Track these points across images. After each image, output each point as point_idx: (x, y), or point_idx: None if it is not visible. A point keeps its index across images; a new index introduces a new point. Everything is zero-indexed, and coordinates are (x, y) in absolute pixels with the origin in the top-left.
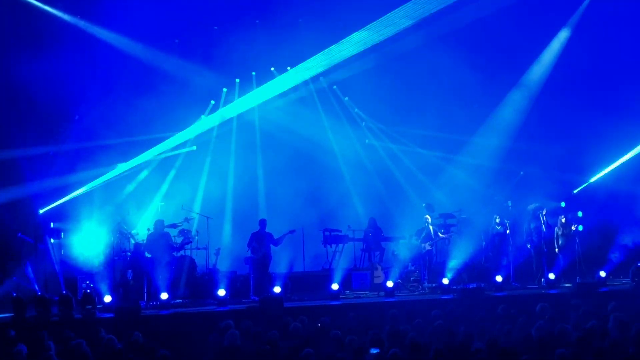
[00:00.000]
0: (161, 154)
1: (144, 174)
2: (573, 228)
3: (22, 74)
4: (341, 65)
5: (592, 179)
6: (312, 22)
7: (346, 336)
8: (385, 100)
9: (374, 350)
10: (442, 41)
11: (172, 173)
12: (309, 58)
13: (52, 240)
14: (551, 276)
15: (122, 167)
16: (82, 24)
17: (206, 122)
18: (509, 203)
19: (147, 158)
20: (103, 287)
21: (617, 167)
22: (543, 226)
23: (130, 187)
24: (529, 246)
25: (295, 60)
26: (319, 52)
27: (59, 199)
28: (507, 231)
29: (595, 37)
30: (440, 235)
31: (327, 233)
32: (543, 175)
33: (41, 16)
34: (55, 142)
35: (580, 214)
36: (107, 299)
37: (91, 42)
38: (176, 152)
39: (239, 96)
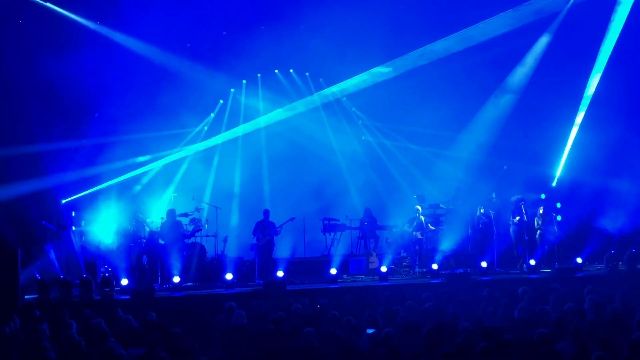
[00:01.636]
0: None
1: (158, 167)
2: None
3: (47, 75)
4: (339, 68)
5: (557, 172)
6: (313, 28)
7: (344, 316)
8: (380, 100)
9: (369, 331)
10: (435, 49)
11: (184, 166)
12: (309, 61)
13: (73, 228)
14: (532, 262)
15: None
16: (102, 29)
17: (216, 120)
18: (493, 195)
19: (162, 154)
20: (120, 271)
21: (593, 162)
22: (524, 216)
23: (145, 179)
24: (512, 230)
25: (297, 63)
26: (319, 55)
27: (80, 190)
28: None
29: (573, 42)
30: (431, 227)
31: (326, 222)
32: (525, 169)
33: (66, 23)
34: (77, 137)
35: (558, 205)
36: (124, 281)
37: (110, 46)
38: (187, 147)
39: (246, 96)
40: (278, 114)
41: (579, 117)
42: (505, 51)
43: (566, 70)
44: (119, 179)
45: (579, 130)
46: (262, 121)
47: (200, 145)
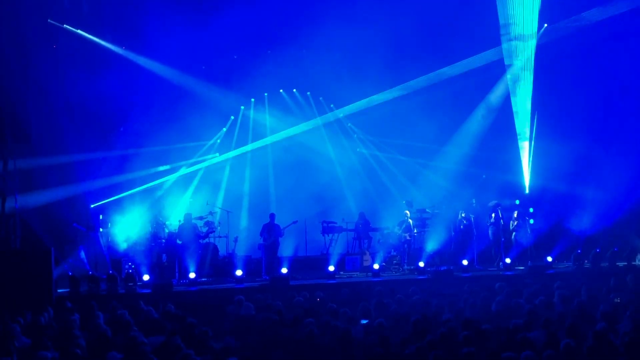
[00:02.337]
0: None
1: (176, 175)
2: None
3: (78, 94)
4: (337, 89)
5: (525, 180)
6: (314, 52)
7: (340, 308)
8: (374, 117)
9: (363, 321)
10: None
11: (200, 174)
12: (311, 81)
13: (101, 229)
14: (507, 260)
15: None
16: (127, 54)
17: (227, 134)
18: (473, 200)
19: (179, 164)
20: (142, 267)
21: (562, 171)
22: (501, 219)
23: (165, 186)
24: (490, 232)
25: (300, 83)
26: (320, 76)
27: (107, 195)
28: (472, 223)
29: (542, 68)
30: (416, 232)
31: (325, 224)
32: (501, 178)
33: (96, 47)
34: (104, 149)
35: (531, 209)
36: (146, 277)
37: (134, 68)
38: (202, 158)
39: (254, 113)
40: (283, 129)
41: (527, 131)
42: (485, 74)
43: (536, 90)
44: (142, 187)
45: (548, 142)
46: (269, 134)
47: (214, 156)
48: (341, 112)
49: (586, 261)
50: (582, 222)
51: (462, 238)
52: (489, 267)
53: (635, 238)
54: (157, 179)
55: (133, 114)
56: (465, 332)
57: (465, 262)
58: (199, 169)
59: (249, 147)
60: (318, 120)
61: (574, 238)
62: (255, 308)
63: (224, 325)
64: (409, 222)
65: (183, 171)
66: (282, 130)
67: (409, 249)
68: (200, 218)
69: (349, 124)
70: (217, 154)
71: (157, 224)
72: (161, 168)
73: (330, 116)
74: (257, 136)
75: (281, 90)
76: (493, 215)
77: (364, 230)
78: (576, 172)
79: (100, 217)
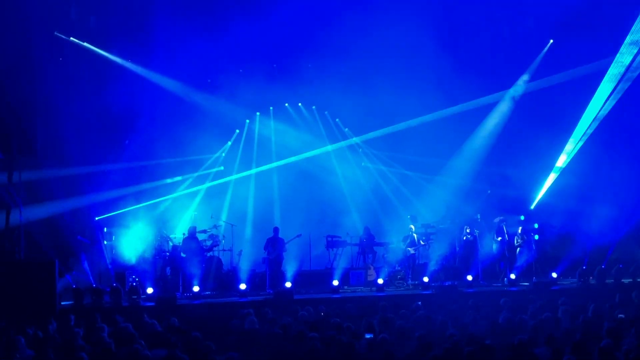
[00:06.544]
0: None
1: (181, 188)
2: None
3: (85, 106)
4: (343, 103)
5: (538, 196)
6: (320, 66)
7: (344, 323)
8: (379, 132)
9: (367, 336)
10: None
11: (204, 188)
12: (316, 95)
13: (105, 242)
14: (512, 276)
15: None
16: (133, 66)
17: (232, 147)
18: (478, 216)
19: (185, 177)
20: (146, 280)
21: (567, 188)
22: (506, 235)
23: (170, 199)
24: (494, 247)
25: (305, 97)
26: (325, 90)
27: (111, 208)
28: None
29: (549, 80)
30: (422, 243)
31: (329, 238)
32: (506, 193)
33: (102, 60)
34: (110, 161)
35: (536, 225)
36: (150, 290)
37: (140, 80)
38: (207, 171)
39: (259, 126)
40: (288, 143)
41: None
42: (489, 88)
43: (545, 108)
44: (150, 202)
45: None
46: (274, 148)
47: (218, 170)
48: (346, 127)
49: (591, 277)
50: (588, 237)
51: (466, 253)
52: (493, 283)
53: None
54: (163, 191)
55: (139, 126)
56: (469, 347)
57: (469, 278)
58: (204, 182)
59: (256, 169)
60: (323, 134)
61: (579, 254)
62: (259, 322)
63: (228, 339)
64: (414, 236)
65: (187, 184)
66: (287, 144)
67: (414, 263)
68: (205, 231)
69: (354, 139)
70: (222, 167)
71: (161, 237)
72: (168, 180)
73: (335, 130)
74: (262, 150)
75: (287, 104)
76: (499, 232)
77: (369, 245)
78: (581, 187)
79: (105, 229)
